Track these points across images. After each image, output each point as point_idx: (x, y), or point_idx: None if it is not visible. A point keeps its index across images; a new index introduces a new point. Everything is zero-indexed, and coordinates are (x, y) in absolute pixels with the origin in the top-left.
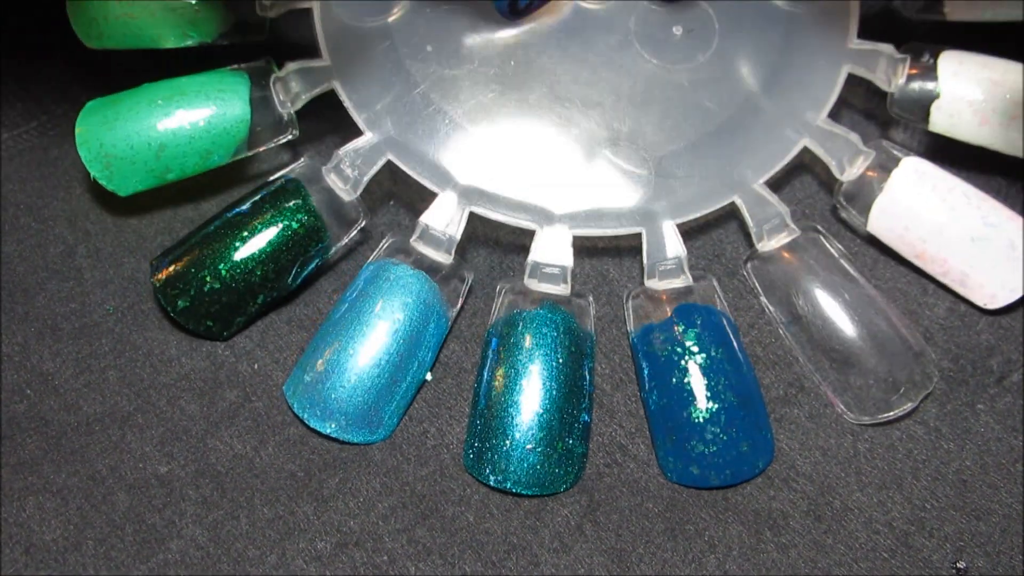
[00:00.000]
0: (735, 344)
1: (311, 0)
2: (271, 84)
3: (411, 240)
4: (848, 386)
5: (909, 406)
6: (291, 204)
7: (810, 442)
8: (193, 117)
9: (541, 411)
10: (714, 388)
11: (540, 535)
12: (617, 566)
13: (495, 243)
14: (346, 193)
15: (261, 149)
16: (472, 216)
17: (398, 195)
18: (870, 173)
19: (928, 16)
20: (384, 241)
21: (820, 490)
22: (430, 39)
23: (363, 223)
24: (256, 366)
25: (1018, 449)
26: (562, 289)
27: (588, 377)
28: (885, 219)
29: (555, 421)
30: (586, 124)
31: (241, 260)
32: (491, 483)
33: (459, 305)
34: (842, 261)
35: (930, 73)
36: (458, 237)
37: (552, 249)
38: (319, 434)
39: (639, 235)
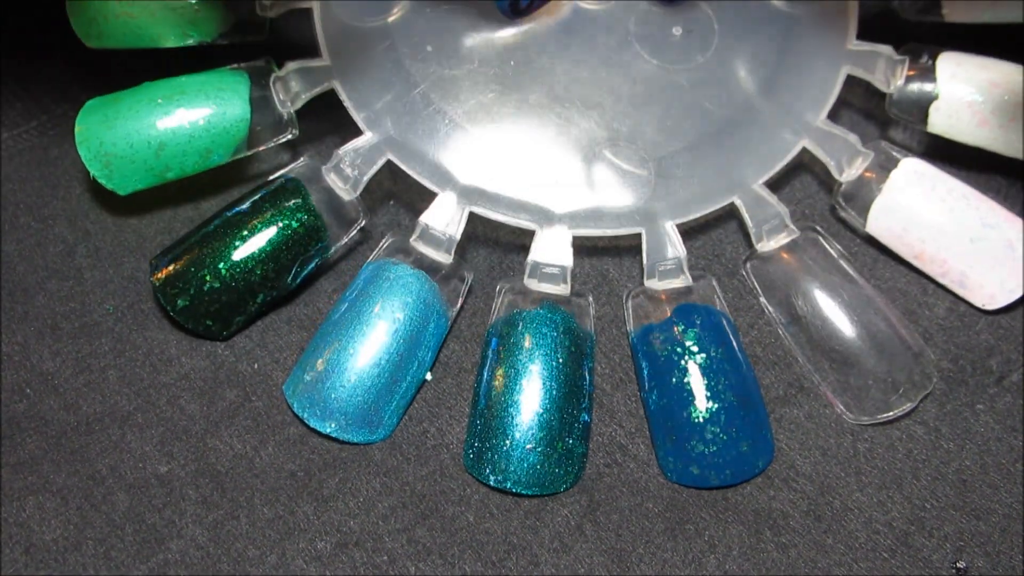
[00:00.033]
0: (735, 344)
1: (311, 0)
2: (271, 83)
3: (411, 240)
4: (847, 386)
5: (908, 406)
6: (291, 203)
7: (810, 442)
8: (193, 116)
9: (541, 411)
10: (714, 388)
11: (540, 535)
12: (617, 566)
13: (495, 243)
14: (346, 193)
15: (261, 148)
16: (472, 216)
17: (398, 195)
18: (869, 174)
19: (927, 17)
20: (384, 241)
21: (820, 490)
22: (430, 39)
23: (363, 223)
24: (256, 366)
25: (1018, 449)
26: (562, 289)
27: (588, 377)
28: (884, 220)
29: (555, 421)
30: (586, 124)
31: (241, 259)
32: (491, 483)
33: (459, 305)
34: (841, 261)
35: (929, 74)
36: (458, 237)
37: (552, 249)
38: (319, 434)
39: (639, 235)
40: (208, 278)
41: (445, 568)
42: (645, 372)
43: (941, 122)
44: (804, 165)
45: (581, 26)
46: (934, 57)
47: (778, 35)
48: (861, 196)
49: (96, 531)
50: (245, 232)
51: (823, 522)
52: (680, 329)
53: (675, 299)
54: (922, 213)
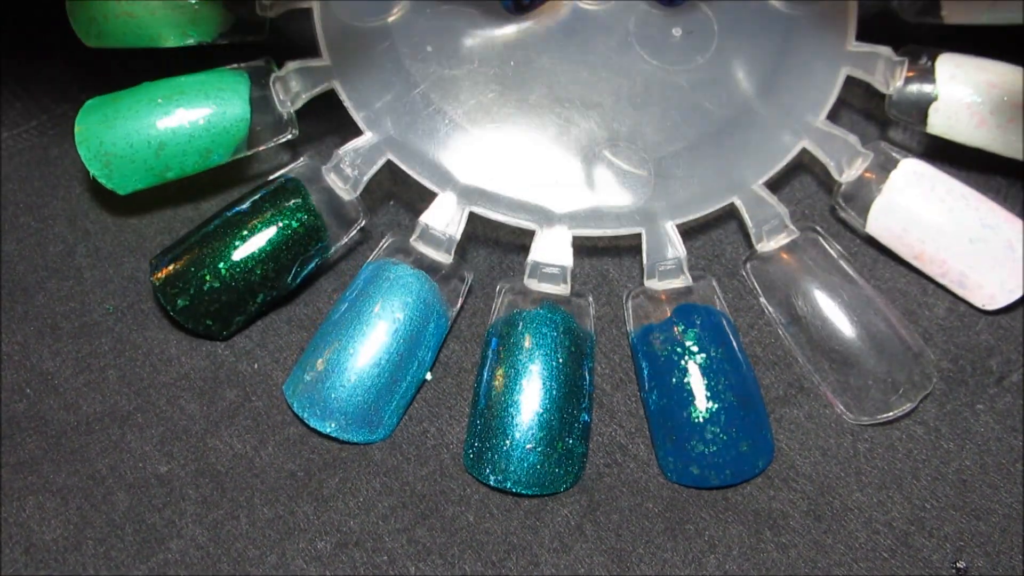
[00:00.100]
0: (735, 344)
1: (311, 0)
2: (271, 83)
3: (411, 240)
4: (847, 386)
5: (908, 406)
6: (291, 203)
7: (810, 442)
8: (193, 116)
9: (541, 411)
10: (714, 388)
11: (540, 535)
12: (617, 566)
13: (495, 243)
14: (346, 193)
15: (261, 148)
16: (472, 216)
17: (398, 195)
18: (869, 174)
19: (926, 19)
20: (384, 241)
21: (820, 490)
22: (430, 39)
23: (363, 223)
24: (256, 366)
25: (1018, 449)
26: (562, 289)
27: (588, 377)
28: (884, 220)
29: (555, 421)
30: (586, 124)
31: (241, 259)
32: (491, 483)
33: (459, 305)
34: (841, 262)
35: (928, 75)
36: (458, 237)
37: (552, 249)
38: (319, 434)
39: (639, 235)
40: (208, 278)
41: (445, 568)
42: (645, 372)
43: (940, 123)
44: (804, 165)
45: (581, 27)
46: (933, 58)
47: (778, 36)
48: (861, 196)
49: (96, 531)
50: (245, 232)
51: (823, 522)
52: (680, 329)
53: (675, 299)
54: (922, 214)
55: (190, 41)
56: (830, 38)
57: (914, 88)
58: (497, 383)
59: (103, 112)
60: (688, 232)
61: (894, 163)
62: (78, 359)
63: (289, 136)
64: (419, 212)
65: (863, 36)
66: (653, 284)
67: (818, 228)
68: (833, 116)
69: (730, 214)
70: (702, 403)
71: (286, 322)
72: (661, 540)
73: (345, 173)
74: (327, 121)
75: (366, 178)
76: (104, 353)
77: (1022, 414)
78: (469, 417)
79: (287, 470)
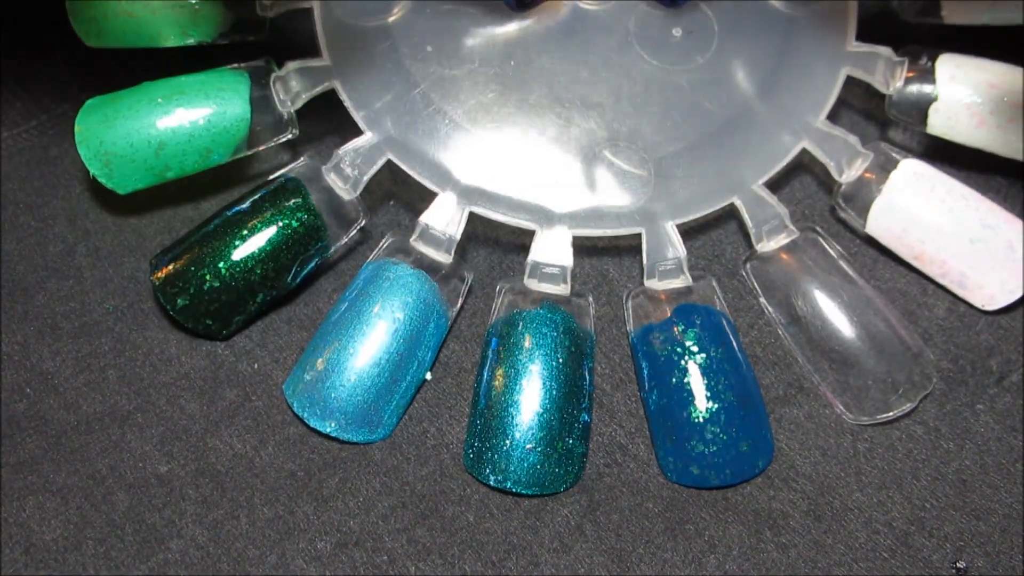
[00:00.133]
0: (734, 344)
1: (311, 0)
2: (271, 83)
3: (411, 240)
4: (847, 386)
5: (908, 407)
6: (291, 203)
7: (810, 442)
8: (193, 115)
9: (541, 411)
10: (714, 388)
11: (540, 535)
12: (617, 566)
13: (495, 243)
14: (346, 192)
15: (261, 148)
16: (472, 216)
17: (398, 195)
18: (869, 175)
19: (926, 19)
20: (384, 241)
21: (820, 490)
22: (430, 39)
23: (363, 222)
24: (256, 365)
25: (1018, 449)
26: (562, 289)
27: (588, 377)
28: (884, 220)
29: (555, 421)
30: (586, 124)
31: (241, 259)
32: (491, 483)
33: (459, 305)
34: (841, 262)
35: (928, 76)
36: (458, 237)
37: (552, 249)
38: (319, 433)
39: (639, 235)
40: (208, 277)
41: (445, 568)
42: (645, 372)
43: (940, 124)
44: (804, 166)
45: (581, 27)
46: (933, 59)
47: (778, 36)
48: (861, 197)
49: (96, 531)
50: (245, 231)
51: (823, 522)
52: (680, 329)
53: (675, 299)
54: (922, 214)
55: (190, 41)
56: (830, 38)
57: (914, 88)
58: (497, 383)
59: (103, 112)
60: (688, 232)
61: (894, 163)
62: (78, 359)
63: (289, 136)
64: (419, 212)
65: (863, 36)
66: (653, 284)
67: (818, 228)
68: (833, 116)
69: (730, 214)
70: (702, 403)
71: (286, 322)
72: (661, 540)
73: (345, 173)
74: (327, 121)
75: (366, 178)
76: (104, 353)
77: (1022, 414)
78: (469, 417)
79: (287, 470)
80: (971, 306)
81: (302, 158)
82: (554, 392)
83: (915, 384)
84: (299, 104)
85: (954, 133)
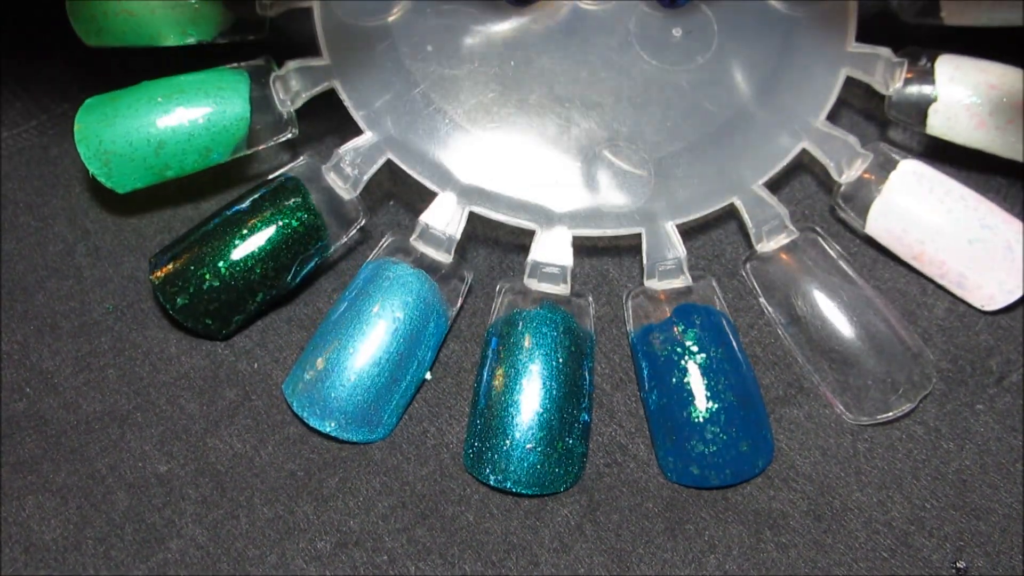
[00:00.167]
0: (734, 344)
1: None
2: (271, 82)
3: (411, 239)
4: (847, 387)
5: (908, 407)
6: (291, 202)
7: (810, 442)
8: (193, 115)
9: (541, 411)
10: (714, 388)
11: (540, 535)
12: (617, 566)
13: (495, 243)
14: (346, 192)
15: (261, 147)
16: (472, 216)
17: (398, 195)
18: (868, 175)
19: (926, 20)
20: (384, 240)
21: (820, 490)
22: (430, 39)
23: (363, 222)
24: (256, 365)
25: (1018, 449)
26: (562, 289)
27: (588, 377)
28: (883, 221)
29: (555, 421)
30: (586, 124)
31: (240, 258)
32: (491, 483)
33: (459, 304)
34: (840, 262)
35: (927, 77)
36: (458, 237)
37: (552, 249)
38: (319, 433)
39: (639, 235)
40: (208, 277)
41: (445, 568)
42: (645, 372)
43: (939, 124)
44: (804, 166)
45: (581, 27)
46: (933, 59)
47: (778, 37)
48: (860, 197)
49: (96, 531)
50: (245, 231)
51: (823, 522)
52: (680, 329)
53: (675, 299)
54: (921, 214)
55: (190, 40)
56: (830, 39)
57: (914, 89)
58: (497, 383)
59: (103, 111)
60: (688, 232)
61: (893, 164)
62: (78, 358)
63: (289, 135)
64: (419, 212)
65: (863, 37)
66: (653, 284)
67: (818, 228)
68: (833, 117)
69: (730, 214)
70: (702, 403)
71: (286, 322)
72: (661, 540)
73: (345, 172)
74: (327, 121)
75: (366, 177)
76: (104, 352)
77: (1022, 414)
78: (469, 417)
79: (287, 470)
80: (970, 306)
81: (302, 158)
82: (554, 392)
83: (915, 384)
84: (299, 103)
85: (953, 134)
